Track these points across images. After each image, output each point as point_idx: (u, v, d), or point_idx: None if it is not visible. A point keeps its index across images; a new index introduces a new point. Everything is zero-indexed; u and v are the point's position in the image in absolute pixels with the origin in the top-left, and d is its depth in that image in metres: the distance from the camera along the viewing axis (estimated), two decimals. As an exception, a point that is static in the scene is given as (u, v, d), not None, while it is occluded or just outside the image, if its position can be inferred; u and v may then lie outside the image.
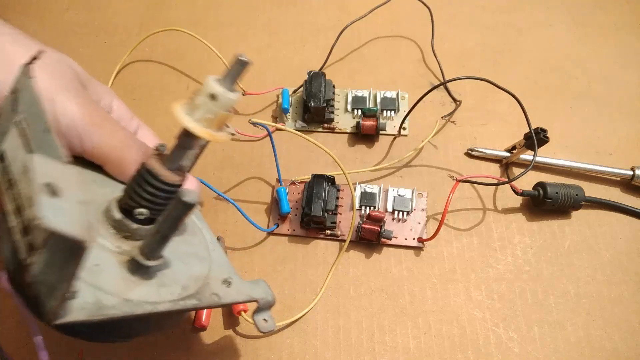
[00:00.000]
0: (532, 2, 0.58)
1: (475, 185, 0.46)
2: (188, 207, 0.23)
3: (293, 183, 0.45)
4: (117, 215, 0.27)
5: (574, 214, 0.44)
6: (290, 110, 0.50)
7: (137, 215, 0.27)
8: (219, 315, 0.40)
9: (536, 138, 0.42)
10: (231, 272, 0.32)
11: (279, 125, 0.44)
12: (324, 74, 0.48)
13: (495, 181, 0.44)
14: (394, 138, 0.49)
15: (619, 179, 0.46)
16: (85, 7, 0.59)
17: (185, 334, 0.39)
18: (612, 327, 0.39)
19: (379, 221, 0.42)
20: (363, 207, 0.44)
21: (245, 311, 0.38)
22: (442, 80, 0.50)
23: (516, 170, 0.47)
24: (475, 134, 0.49)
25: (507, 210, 0.45)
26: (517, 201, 0.45)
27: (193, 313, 0.39)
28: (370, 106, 0.49)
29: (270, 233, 0.43)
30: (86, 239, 0.18)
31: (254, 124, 0.40)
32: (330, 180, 0.43)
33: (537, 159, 0.45)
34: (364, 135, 0.48)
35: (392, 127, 0.49)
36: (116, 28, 0.57)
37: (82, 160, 0.30)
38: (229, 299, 0.30)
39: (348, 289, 0.41)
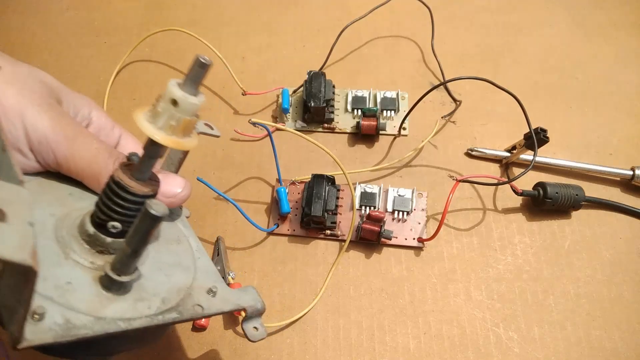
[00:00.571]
0: (532, 2, 0.58)
1: (475, 185, 0.46)
2: (155, 219, 0.22)
3: (293, 183, 0.45)
4: (90, 229, 0.26)
5: (574, 214, 0.44)
6: (290, 110, 0.50)
7: (110, 229, 0.26)
8: (219, 315, 0.40)
9: (536, 138, 0.42)
10: (217, 281, 0.31)
11: (279, 125, 0.44)
12: (324, 74, 0.48)
13: (495, 181, 0.44)
14: (394, 138, 0.49)
15: (619, 179, 0.46)
16: (85, 7, 0.59)
17: (185, 334, 0.39)
18: (612, 327, 0.39)
19: (379, 221, 0.42)
20: (363, 207, 0.44)
21: (245, 311, 0.38)
22: (442, 80, 0.50)
23: (516, 170, 0.47)
24: (475, 134, 0.49)
25: (507, 210, 0.45)
26: (517, 201, 0.45)
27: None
28: (370, 106, 0.49)
29: (270, 233, 0.43)
30: (32, 264, 0.17)
31: (254, 124, 0.40)
32: (330, 180, 0.43)
33: (537, 159, 0.45)
34: (364, 135, 0.48)
35: (392, 127, 0.49)
36: (116, 28, 0.57)
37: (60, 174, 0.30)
38: (213, 310, 0.29)
39: (348, 289, 0.41)
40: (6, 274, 0.20)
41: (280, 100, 0.50)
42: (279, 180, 0.44)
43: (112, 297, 0.25)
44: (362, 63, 0.54)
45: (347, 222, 0.43)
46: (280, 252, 0.43)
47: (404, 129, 0.48)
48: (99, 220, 0.26)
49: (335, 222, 0.43)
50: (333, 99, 0.50)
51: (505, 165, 0.47)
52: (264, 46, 0.55)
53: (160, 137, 0.24)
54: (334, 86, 0.50)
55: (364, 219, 0.42)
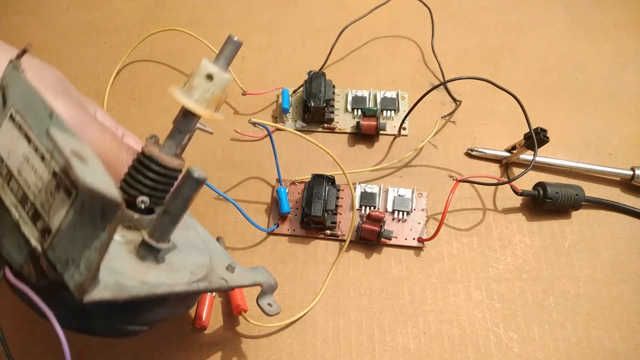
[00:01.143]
0: (532, 2, 0.58)
1: (475, 185, 0.46)
2: (199, 183, 0.24)
3: (293, 183, 0.45)
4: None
5: (574, 214, 0.44)
6: (290, 110, 0.50)
7: (139, 204, 0.27)
8: (219, 315, 0.40)
9: (536, 138, 0.42)
10: (232, 260, 0.32)
11: (279, 125, 0.44)
12: (324, 74, 0.48)
13: (495, 181, 0.44)
14: (394, 138, 0.49)
15: (619, 179, 0.46)
16: (85, 7, 0.59)
17: (185, 334, 0.39)
18: (612, 327, 0.39)
19: (379, 221, 0.42)
20: (363, 207, 0.44)
21: (245, 311, 0.38)
22: (442, 80, 0.50)
23: (516, 170, 0.47)
24: (475, 134, 0.49)
25: (507, 210, 0.45)
26: (517, 201, 0.45)
27: (193, 312, 0.39)
28: (370, 106, 0.49)
29: (270, 233, 0.43)
30: (119, 199, 0.18)
31: (254, 124, 0.40)
32: (330, 180, 0.43)
33: (537, 159, 0.45)
34: (364, 135, 0.48)
35: (392, 127, 0.49)
36: (116, 28, 0.57)
37: None
38: (236, 282, 0.31)
39: (348, 289, 0.41)
40: (78, 216, 0.20)
41: (280, 100, 0.50)
42: (279, 180, 0.44)
43: (149, 265, 0.26)
44: (362, 63, 0.54)
45: (347, 222, 0.43)
46: (280, 252, 0.43)
47: (404, 129, 0.48)
48: (129, 196, 0.27)
49: (335, 222, 0.43)
50: (333, 99, 0.50)
51: (505, 165, 0.47)
52: (264, 46, 0.55)
53: (197, 108, 0.25)
54: (334, 86, 0.50)
55: (364, 219, 0.42)
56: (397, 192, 0.44)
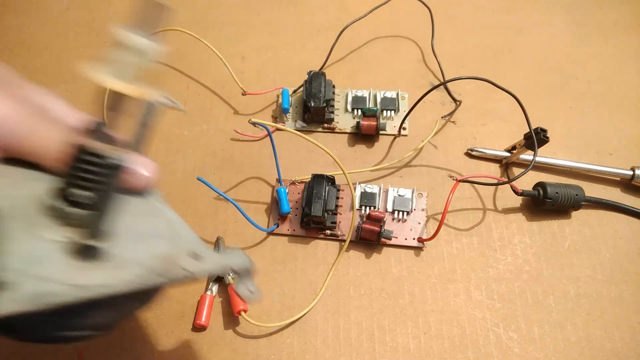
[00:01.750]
0: (532, 2, 0.58)
1: (475, 185, 0.46)
2: (115, 168, 0.22)
3: (293, 183, 0.45)
4: (55, 202, 0.25)
5: (574, 214, 0.44)
6: (290, 110, 0.50)
7: (70, 197, 0.25)
8: (219, 315, 0.40)
9: (536, 138, 0.42)
10: (201, 247, 0.30)
11: (279, 125, 0.44)
12: (324, 74, 0.48)
13: (495, 181, 0.44)
14: (394, 138, 0.49)
15: (619, 179, 0.46)
16: (85, 7, 0.59)
17: (185, 334, 0.39)
18: (612, 327, 0.39)
19: (379, 221, 0.42)
20: (363, 207, 0.44)
21: (245, 311, 0.38)
22: (442, 80, 0.50)
23: (516, 170, 0.47)
24: (475, 134, 0.49)
25: (507, 210, 0.45)
26: (517, 201, 0.45)
27: (193, 312, 0.39)
28: (370, 106, 0.49)
29: (270, 233, 0.43)
30: None
31: (254, 124, 0.40)
32: (330, 180, 0.43)
33: (537, 159, 0.45)
34: (364, 135, 0.48)
35: (392, 127, 0.49)
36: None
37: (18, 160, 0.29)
38: (202, 272, 0.28)
39: (348, 289, 0.41)
40: None
41: (280, 100, 0.50)
42: (279, 180, 0.44)
43: (88, 266, 0.24)
44: (362, 63, 0.54)
45: (347, 222, 0.43)
46: (280, 252, 0.43)
47: (404, 129, 0.48)
48: (63, 191, 0.25)
49: (335, 222, 0.43)
50: (333, 99, 0.50)
51: (505, 165, 0.47)
52: (264, 46, 0.55)
53: (113, 83, 0.23)
54: (334, 86, 0.50)
55: (364, 219, 0.42)
56: (397, 192, 0.44)
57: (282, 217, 0.44)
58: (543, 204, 0.43)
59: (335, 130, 0.49)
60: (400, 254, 0.42)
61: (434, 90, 0.44)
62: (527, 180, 0.44)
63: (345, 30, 0.51)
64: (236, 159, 0.48)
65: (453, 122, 0.50)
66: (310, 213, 0.41)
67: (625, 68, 0.53)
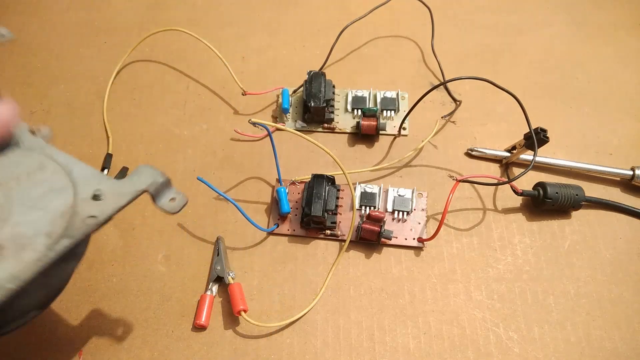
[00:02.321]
0: (532, 2, 0.58)
1: (475, 185, 0.46)
2: None
3: (293, 183, 0.45)
4: None
5: (574, 214, 0.44)
6: (290, 110, 0.50)
7: None
8: (219, 315, 0.40)
9: (536, 138, 0.42)
10: (100, 182, 0.28)
11: (279, 125, 0.44)
12: (324, 74, 0.48)
13: (495, 181, 0.44)
14: (394, 138, 0.49)
15: (619, 179, 0.46)
16: (85, 7, 0.59)
17: (185, 334, 0.39)
18: (612, 327, 0.39)
19: (379, 221, 0.42)
20: (363, 207, 0.44)
21: (245, 311, 0.38)
22: (442, 80, 0.50)
23: (516, 170, 0.47)
24: (475, 134, 0.49)
25: (507, 210, 0.45)
26: (517, 201, 0.45)
27: (193, 312, 0.39)
28: (370, 106, 0.49)
29: (270, 233, 0.43)
30: None
31: (254, 124, 0.40)
32: (330, 180, 0.43)
33: (537, 159, 0.45)
34: (364, 135, 0.48)
35: (392, 127, 0.49)
36: (116, 28, 0.57)
37: None
38: (108, 212, 0.27)
39: (348, 289, 0.41)
40: None
41: (280, 100, 0.50)
42: (279, 180, 0.44)
43: None
44: (362, 63, 0.54)
45: (347, 222, 0.43)
46: (280, 252, 0.43)
47: (404, 129, 0.48)
48: None
49: (335, 222, 0.43)
50: (333, 99, 0.50)
51: (505, 165, 0.47)
52: (264, 46, 0.55)
53: None
54: (334, 86, 0.50)
55: (364, 219, 0.42)
56: (397, 192, 0.44)
57: (282, 217, 0.44)
58: (543, 204, 0.43)
59: (335, 130, 0.49)
60: (400, 254, 0.42)
61: (434, 90, 0.44)
62: (527, 180, 0.44)
63: (345, 30, 0.51)
64: (236, 159, 0.48)
65: (453, 122, 0.50)
66: (310, 213, 0.41)
67: (625, 68, 0.53)
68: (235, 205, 0.42)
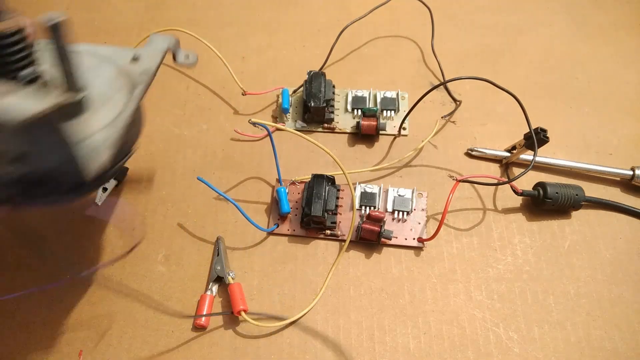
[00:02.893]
0: (532, 2, 0.58)
1: (475, 185, 0.46)
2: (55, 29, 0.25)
3: (293, 183, 0.45)
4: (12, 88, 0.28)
5: (574, 214, 0.44)
6: (290, 110, 0.50)
7: (22, 80, 0.27)
8: (219, 315, 0.40)
9: (536, 138, 0.42)
10: (132, 51, 0.35)
11: (279, 125, 0.44)
12: (324, 74, 0.48)
13: (495, 181, 0.44)
14: (394, 138, 0.49)
15: (619, 179, 0.46)
16: (85, 7, 0.59)
17: (185, 334, 0.39)
18: (612, 327, 0.39)
19: (379, 221, 0.42)
20: (363, 207, 0.44)
21: (245, 311, 0.38)
22: (442, 80, 0.50)
23: (516, 170, 0.47)
24: (475, 134, 0.49)
25: (507, 210, 0.45)
26: (517, 201, 0.45)
27: (193, 312, 0.39)
28: (370, 106, 0.49)
29: (270, 233, 0.43)
30: None
31: (254, 124, 0.40)
32: (330, 180, 0.43)
33: (537, 159, 0.45)
34: (364, 135, 0.48)
35: (392, 127, 0.49)
36: (116, 28, 0.57)
37: None
38: (152, 65, 0.34)
39: (348, 289, 0.41)
40: None
41: (280, 100, 0.50)
42: (279, 180, 0.44)
43: (87, 115, 0.30)
44: (362, 63, 0.54)
45: (347, 222, 0.43)
46: (280, 252, 0.43)
47: (404, 129, 0.48)
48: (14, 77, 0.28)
49: (335, 222, 0.43)
50: (333, 99, 0.50)
51: (505, 165, 0.47)
52: (264, 46, 0.55)
53: None
54: (334, 86, 0.50)
55: (364, 219, 0.42)
56: (397, 192, 0.44)
57: (282, 217, 0.44)
58: (543, 204, 0.43)
59: (335, 130, 0.49)
60: (400, 254, 0.42)
61: (434, 90, 0.44)
62: (527, 180, 0.44)
63: (345, 30, 0.51)
64: (236, 159, 0.48)
65: (453, 122, 0.50)
66: (310, 213, 0.41)
67: (625, 68, 0.53)
68: (235, 205, 0.42)
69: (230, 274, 0.40)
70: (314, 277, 0.41)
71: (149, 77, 0.34)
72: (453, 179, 0.44)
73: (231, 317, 0.40)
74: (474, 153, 0.47)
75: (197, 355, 0.38)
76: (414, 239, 0.43)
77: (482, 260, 0.42)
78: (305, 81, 0.48)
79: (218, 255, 0.42)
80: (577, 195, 0.43)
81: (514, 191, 0.43)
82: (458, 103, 0.50)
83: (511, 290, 0.41)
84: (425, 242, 0.42)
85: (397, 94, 0.50)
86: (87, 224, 0.43)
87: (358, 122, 0.48)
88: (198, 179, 0.42)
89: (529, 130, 0.42)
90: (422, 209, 0.44)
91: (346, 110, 0.50)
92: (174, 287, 0.41)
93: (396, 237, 0.43)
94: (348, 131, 0.49)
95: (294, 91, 0.50)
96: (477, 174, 0.46)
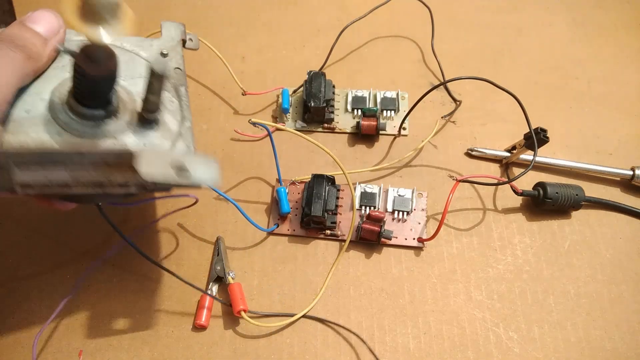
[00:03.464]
0: (532, 2, 0.58)
1: (475, 185, 0.46)
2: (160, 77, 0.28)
3: (293, 183, 0.45)
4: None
5: (574, 214, 0.44)
6: (290, 110, 0.50)
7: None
8: (219, 315, 0.40)
9: (536, 138, 0.42)
10: (150, 41, 0.36)
11: (279, 125, 0.44)
12: (324, 74, 0.48)
13: (495, 181, 0.44)
14: (394, 138, 0.49)
15: (619, 179, 0.46)
16: (85, 7, 0.59)
17: (185, 334, 0.39)
18: (612, 327, 0.39)
19: (379, 221, 0.42)
20: (363, 207, 0.44)
21: (245, 311, 0.38)
22: (442, 80, 0.50)
23: (516, 170, 0.47)
24: (475, 134, 0.49)
25: (507, 210, 0.45)
26: (517, 201, 0.45)
27: (193, 312, 0.39)
28: (370, 106, 0.49)
29: (270, 233, 0.43)
30: None
31: (254, 124, 0.40)
32: (330, 180, 0.43)
33: (537, 159, 0.45)
34: (364, 135, 0.48)
35: (392, 127, 0.49)
36: (116, 28, 0.57)
37: None
38: (180, 59, 0.36)
39: (348, 289, 0.41)
40: None
41: (280, 100, 0.50)
42: (279, 180, 0.44)
43: (156, 129, 0.32)
44: (362, 63, 0.54)
45: (347, 222, 0.43)
46: (280, 252, 0.43)
47: (404, 129, 0.48)
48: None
49: (335, 222, 0.43)
50: (333, 99, 0.50)
51: (505, 165, 0.47)
52: (264, 46, 0.55)
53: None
54: (334, 86, 0.50)
55: (364, 219, 0.42)
56: (397, 192, 0.44)
57: (282, 217, 0.44)
58: (543, 204, 0.43)
59: (335, 130, 0.49)
60: (400, 254, 0.42)
61: (434, 90, 0.44)
62: (527, 180, 0.44)
63: (345, 30, 0.51)
64: (236, 159, 0.48)
65: (453, 122, 0.50)
66: (310, 213, 0.41)
67: (625, 68, 0.53)
68: (235, 205, 0.42)
69: (230, 274, 0.40)
70: (314, 277, 0.41)
71: (183, 74, 0.35)
72: (453, 179, 0.44)
73: (231, 317, 0.40)
74: (474, 153, 0.47)
75: (197, 355, 0.38)
76: (414, 239, 0.43)
77: (482, 260, 0.42)
78: (305, 81, 0.48)
79: (218, 255, 0.42)
80: (577, 195, 0.43)
81: (514, 191, 0.43)
82: (458, 103, 0.50)
83: (511, 290, 0.41)
84: (425, 242, 0.42)
85: (397, 94, 0.50)
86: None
87: (358, 122, 0.48)
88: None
89: (529, 130, 0.42)
90: (422, 209, 0.44)
91: (346, 110, 0.50)
92: (174, 287, 0.41)
93: (396, 237, 0.43)
94: (348, 131, 0.49)
95: (294, 91, 0.50)
96: (477, 174, 0.46)
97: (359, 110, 0.49)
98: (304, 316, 0.39)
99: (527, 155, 0.46)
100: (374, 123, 0.47)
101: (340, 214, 0.44)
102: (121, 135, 0.30)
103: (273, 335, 0.39)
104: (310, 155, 0.47)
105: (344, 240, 0.42)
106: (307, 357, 0.38)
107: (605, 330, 0.39)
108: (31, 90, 0.30)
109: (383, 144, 0.48)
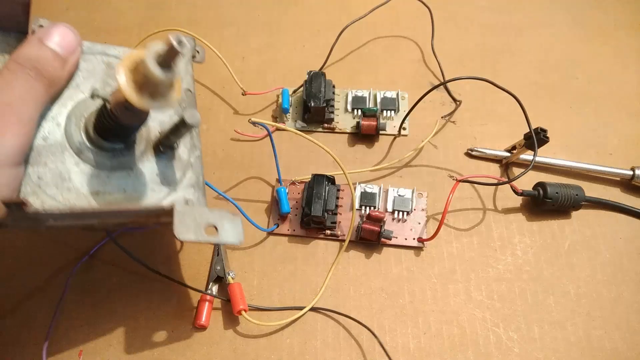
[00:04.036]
0: (532, 2, 0.58)
1: (475, 185, 0.46)
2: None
3: (293, 183, 0.45)
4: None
5: (574, 214, 0.44)
6: (290, 110, 0.50)
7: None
8: (219, 315, 0.40)
9: (536, 138, 0.42)
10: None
11: (279, 125, 0.44)
12: (324, 74, 0.48)
13: (495, 181, 0.44)
14: (394, 138, 0.49)
15: (619, 179, 0.46)
16: (85, 7, 0.59)
17: (185, 334, 0.39)
18: (612, 327, 0.39)
19: (379, 221, 0.42)
20: (363, 207, 0.44)
21: (245, 310, 0.38)
22: (442, 80, 0.50)
23: (516, 170, 0.47)
24: (475, 134, 0.49)
25: (507, 210, 0.45)
26: (517, 201, 0.45)
27: (193, 312, 0.39)
28: (370, 106, 0.49)
29: (270, 233, 0.43)
30: None
31: (254, 123, 0.40)
32: (330, 180, 0.43)
33: (537, 159, 0.45)
34: (364, 135, 0.48)
35: (392, 127, 0.49)
36: (116, 28, 0.57)
37: None
38: (190, 79, 0.37)
39: (348, 289, 0.41)
40: None
41: (280, 100, 0.50)
42: (279, 180, 0.44)
43: (172, 161, 0.33)
44: (362, 63, 0.54)
45: (347, 222, 0.43)
46: (280, 252, 0.43)
47: (404, 129, 0.48)
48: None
49: (335, 222, 0.43)
50: (333, 99, 0.50)
51: (505, 165, 0.47)
52: (264, 46, 0.55)
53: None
54: (334, 86, 0.50)
55: (364, 219, 0.42)
56: (397, 192, 0.44)
57: (282, 217, 0.44)
58: (543, 204, 0.43)
59: (335, 130, 0.49)
60: (400, 254, 0.42)
61: (434, 90, 0.44)
62: (527, 180, 0.44)
63: (346, 30, 0.51)
64: (236, 159, 0.48)
65: (453, 122, 0.50)
66: (310, 213, 0.41)
67: (625, 68, 0.53)
68: (236, 205, 0.42)
69: (230, 274, 0.40)
70: (314, 277, 0.41)
71: (194, 96, 0.35)
72: (453, 179, 0.44)
73: (231, 317, 0.40)
74: (474, 153, 0.47)
75: (197, 355, 0.38)
76: (414, 239, 0.43)
77: (482, 260, 0.42)
78: (305, 81, 0.48)
79: (218, 255, 0.42)
80: (577, 195, 0.43)
81: (514, 191, 0.43)
82: (458, 103, 0.50)
83: (511, 290, 0.41)
84: (425, 242, 0.42)
85: (397, 94, 0.50)
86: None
87: (358, 122, 0.48)
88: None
89: (529, 130, 0.42)
90: (422, 209, 0.44)
91: (346, 110, 0.50)
92: (174, 287, 0.41)
93: (396, 237, 0.43)
94: (348, 131, 0.49)
95: (294, 91, 0.50)
96: (477, 174, 0.46)
97: (359, 110, 0.49)
98: (303, 316, 0.39)
99: (527, 155, 0.46)
100: (374, 123, 0.47)
101: (340, 214, 0.44)
102: (136, 166, 0.30)
103: (273, 335, 0.39)
104: (310, 155, 0.47)
105: (344, 240, 0.42)
106: (307, 357, 0.38)
107: (605, 330, 0.39)
108: (47, 115, 0.29)
109: (383, 144, 0.48)
